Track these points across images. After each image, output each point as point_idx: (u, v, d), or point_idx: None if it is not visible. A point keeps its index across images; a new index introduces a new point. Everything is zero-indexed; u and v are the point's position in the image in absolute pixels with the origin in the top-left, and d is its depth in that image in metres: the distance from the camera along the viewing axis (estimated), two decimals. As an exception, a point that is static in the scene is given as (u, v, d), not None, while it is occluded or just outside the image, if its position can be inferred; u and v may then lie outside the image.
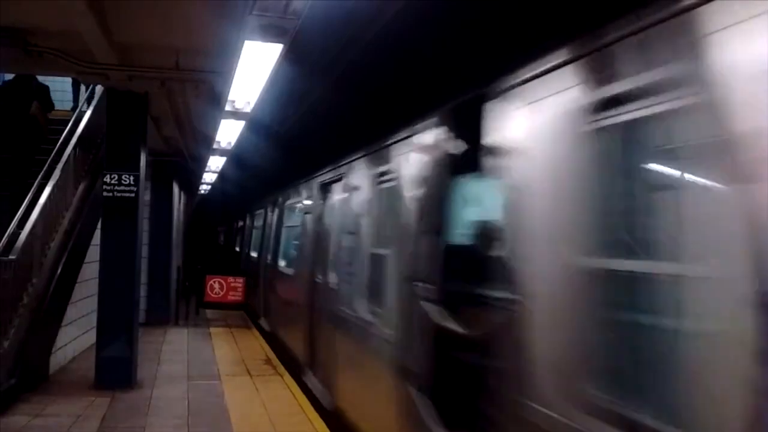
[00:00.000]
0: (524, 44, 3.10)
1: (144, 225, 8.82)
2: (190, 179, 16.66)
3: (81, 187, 8.87)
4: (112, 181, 7.42)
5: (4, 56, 6.44)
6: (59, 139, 9.09)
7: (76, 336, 8.88)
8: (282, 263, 10.58)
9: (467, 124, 3.67)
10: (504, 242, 3.17)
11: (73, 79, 11.63)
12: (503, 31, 3.40)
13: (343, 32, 4.38)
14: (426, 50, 4.10)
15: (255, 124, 8.02)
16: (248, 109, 7.05)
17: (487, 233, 3.60)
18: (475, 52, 3.71)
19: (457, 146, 3.97)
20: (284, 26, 4.06)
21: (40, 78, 9.76)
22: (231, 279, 12.96)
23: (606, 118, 2.49)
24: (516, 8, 3.19)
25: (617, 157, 2.58)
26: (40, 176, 8.19)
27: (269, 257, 11.60)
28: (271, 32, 4.17)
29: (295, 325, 8.44)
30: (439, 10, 3.61)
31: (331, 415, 6.20)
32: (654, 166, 2.57)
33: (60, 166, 8.22)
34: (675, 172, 2.39)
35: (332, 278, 6.62)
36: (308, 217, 8.43)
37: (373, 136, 5.64)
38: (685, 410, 2.07)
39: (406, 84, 4.73)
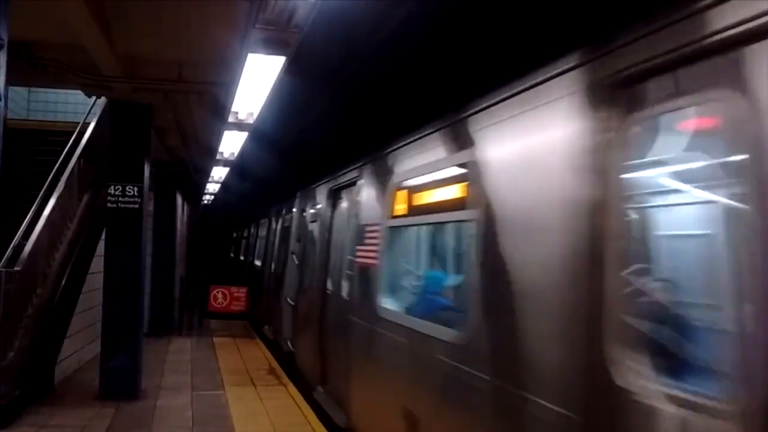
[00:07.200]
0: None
1: (147, 236, 8.85)
2: (194, 189, 16.72)
3: (85, 198, 8.91)
4: (116, 193, 7.46)
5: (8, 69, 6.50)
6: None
7: (81, 346, 8.90)
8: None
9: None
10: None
11: None
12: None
13: (343, 45, 4.43)
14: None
15: (258, 134, 8.07)
16: (251, 120, 7.10)
17: None
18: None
19: None
20: (287, 39, 4.12)
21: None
22: (234, 289, 13.02)
23: None
24: None
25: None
26: (44, 187, 8.22)
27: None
28: (273, 45, 4.23)
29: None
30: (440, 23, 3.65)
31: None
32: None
33: (64, 177, 8.27)
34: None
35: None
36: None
37: (371, 142, 5.70)
38: None
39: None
